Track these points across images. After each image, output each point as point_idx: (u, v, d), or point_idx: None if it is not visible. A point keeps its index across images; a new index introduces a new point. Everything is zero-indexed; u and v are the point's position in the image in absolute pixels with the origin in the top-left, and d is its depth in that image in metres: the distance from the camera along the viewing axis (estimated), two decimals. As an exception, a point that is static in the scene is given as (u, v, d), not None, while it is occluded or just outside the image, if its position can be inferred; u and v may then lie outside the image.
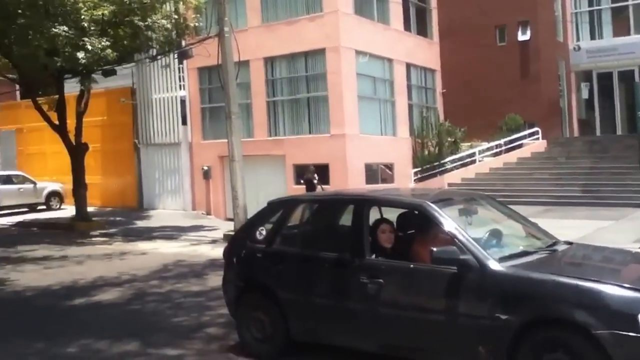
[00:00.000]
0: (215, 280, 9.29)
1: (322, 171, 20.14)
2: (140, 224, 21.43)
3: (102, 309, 9.21)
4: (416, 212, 6.11)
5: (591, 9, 28.07)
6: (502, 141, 24.33)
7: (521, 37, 25.36)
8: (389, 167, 22.95)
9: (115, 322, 8.34)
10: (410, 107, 24.49)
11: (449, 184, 21.85)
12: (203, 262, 13.17)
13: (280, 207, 7.07)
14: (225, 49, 16.15)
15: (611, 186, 19.72)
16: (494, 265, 5.20)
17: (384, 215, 6.59)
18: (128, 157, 26.58)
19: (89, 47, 17.11)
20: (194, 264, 12.96)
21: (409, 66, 24.50)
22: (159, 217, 22.91)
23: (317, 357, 6.38)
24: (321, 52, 21.06)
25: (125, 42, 18.87)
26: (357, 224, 6.09)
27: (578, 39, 28.20)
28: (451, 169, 23.52)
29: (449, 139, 24.22)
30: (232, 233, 14.48)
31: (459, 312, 5.23)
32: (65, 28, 16.96)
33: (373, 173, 22.01)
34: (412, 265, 5.68)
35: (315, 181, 18.93)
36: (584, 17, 28.28)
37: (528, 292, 4.98)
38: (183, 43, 20.53)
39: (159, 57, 21.52)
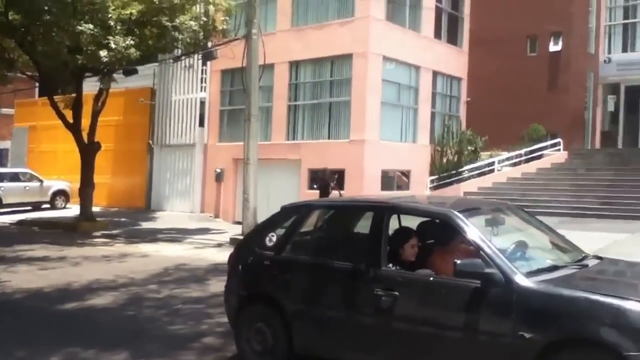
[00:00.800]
0: (216, 286, 8.80)
1: (338, 176, 19.71)
2: (145, 225, 21.01)
3: (94, 314, 8.67)
4: (438, 221, 5.71)
5: (626, 22, 27.53)
6: (522, 151, 23.91)
7: (552, 47, 24.81)
8: (406, 174, 22.50)
9: (107, 329, 7.84)
10: (433, 114, 24.06)
11: (465, 193, 21.39)
12: (206, 266, 12.67)
13: (293, 213, 6.59)
14: (252, 52, 15.94)
15: (630, 199, 19.10)
16: (521, 280, 4.85)
17: (402, 224, 6.18)
18: (140, 158, 26.35)
19: (113, 46, 16.94)
20: (196, 268, 12.47)
21: (435, 74, 24.07)
22: (165, 219, 22.54)
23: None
24: (348, 57, 20.67)
25: (150, 42, 18.73)
26: (376, 233, 5.67)
27: (609, 52, 27.59)
28: (468, 178, 23.08)
29: (470, 148, 23.80)
30: (240, 237, 14.13)
31: (480, 329, 4.89)
32: (91, 26, 16.82)
33: (389, 180, 21.63)
34: (431, 278, 5.32)
35: (333, 184, 18.44)
36: (618, 29, 27.74)
37: (557, 310, 4.64)
38: (209, 44, 20.14)
39: (182, 57, 21.27)
